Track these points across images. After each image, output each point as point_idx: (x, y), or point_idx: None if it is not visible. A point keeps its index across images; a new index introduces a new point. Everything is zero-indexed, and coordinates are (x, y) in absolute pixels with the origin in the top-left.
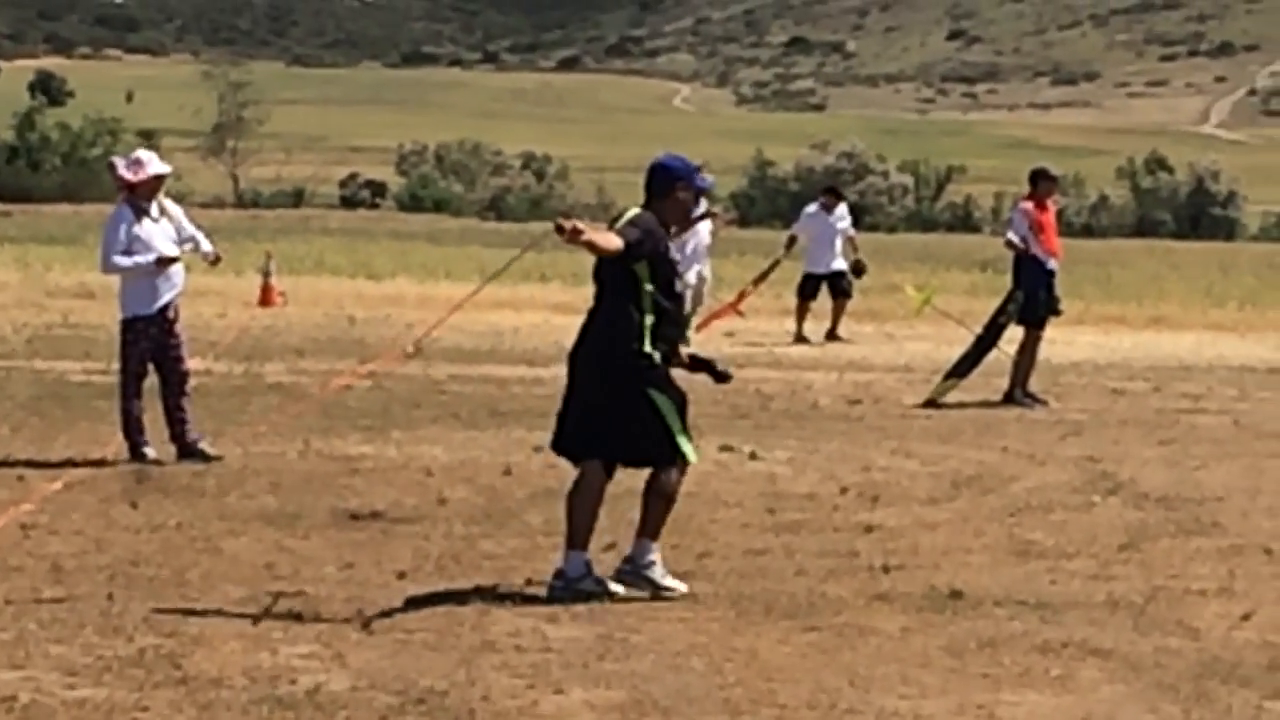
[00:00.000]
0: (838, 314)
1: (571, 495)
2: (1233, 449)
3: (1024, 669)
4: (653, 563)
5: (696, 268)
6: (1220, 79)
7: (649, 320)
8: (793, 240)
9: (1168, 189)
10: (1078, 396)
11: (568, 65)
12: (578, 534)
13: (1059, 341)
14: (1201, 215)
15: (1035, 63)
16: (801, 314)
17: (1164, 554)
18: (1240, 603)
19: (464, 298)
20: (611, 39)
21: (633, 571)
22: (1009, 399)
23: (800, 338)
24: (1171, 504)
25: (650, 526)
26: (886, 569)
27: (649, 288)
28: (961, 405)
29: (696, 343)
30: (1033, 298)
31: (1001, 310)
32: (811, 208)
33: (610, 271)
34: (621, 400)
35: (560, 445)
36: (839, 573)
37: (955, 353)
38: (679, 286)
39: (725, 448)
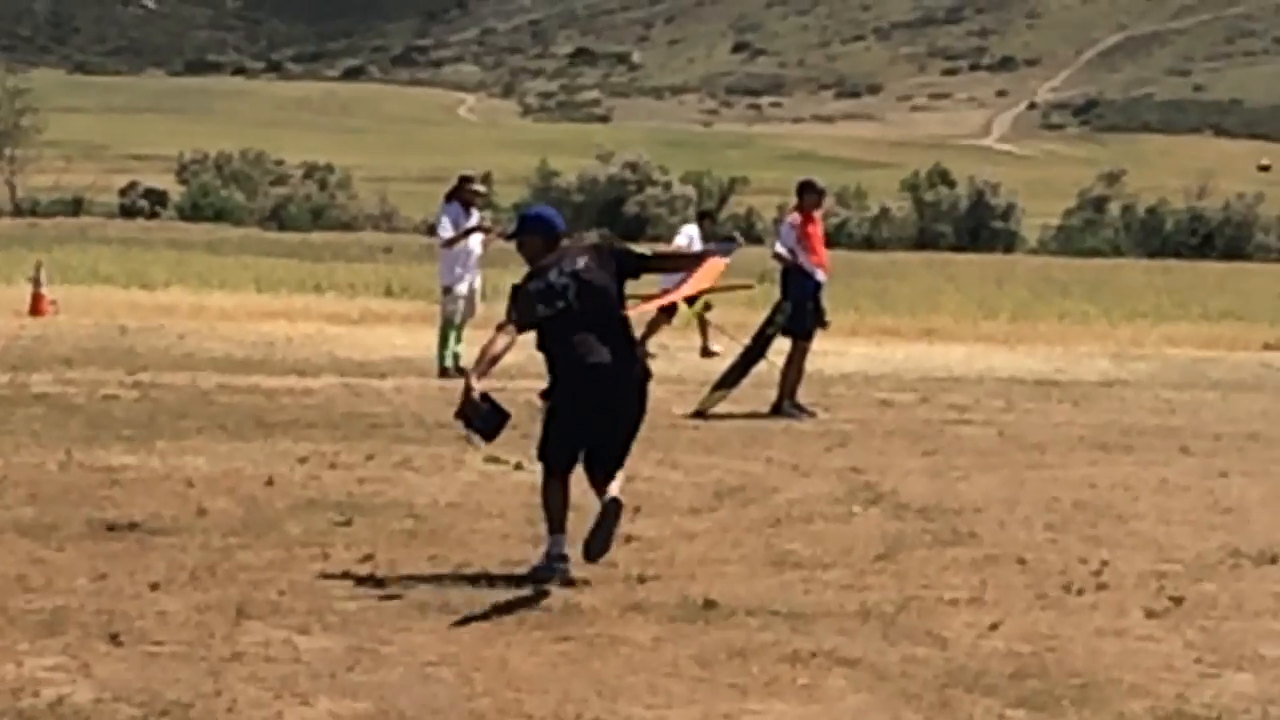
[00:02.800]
0: (654, 329)
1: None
2: (995, 460)
3: (772, 678)
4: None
5: (468, 279)
6: (1001, 93)
7: None
8: None
9: (948, 202)
10: (846, 407)
11: (353, 75)
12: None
13: (831, 353)
14: (981, 228)
15: (819, 75)
16: (703, 327)
17: (919, 564)
18: (990, 612)
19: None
20: (397, 49)
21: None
22: (777, 410)
23: (707, 351)
24: (930, 514)
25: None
26: (642, 579)
27: None
28: (729, 416)
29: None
30: (800, 309)
31: (769, 321)
32: (693, 228)
33: (619, 303)
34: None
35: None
36: (594, 583)
37: (725, 364)
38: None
39: (491, 459)
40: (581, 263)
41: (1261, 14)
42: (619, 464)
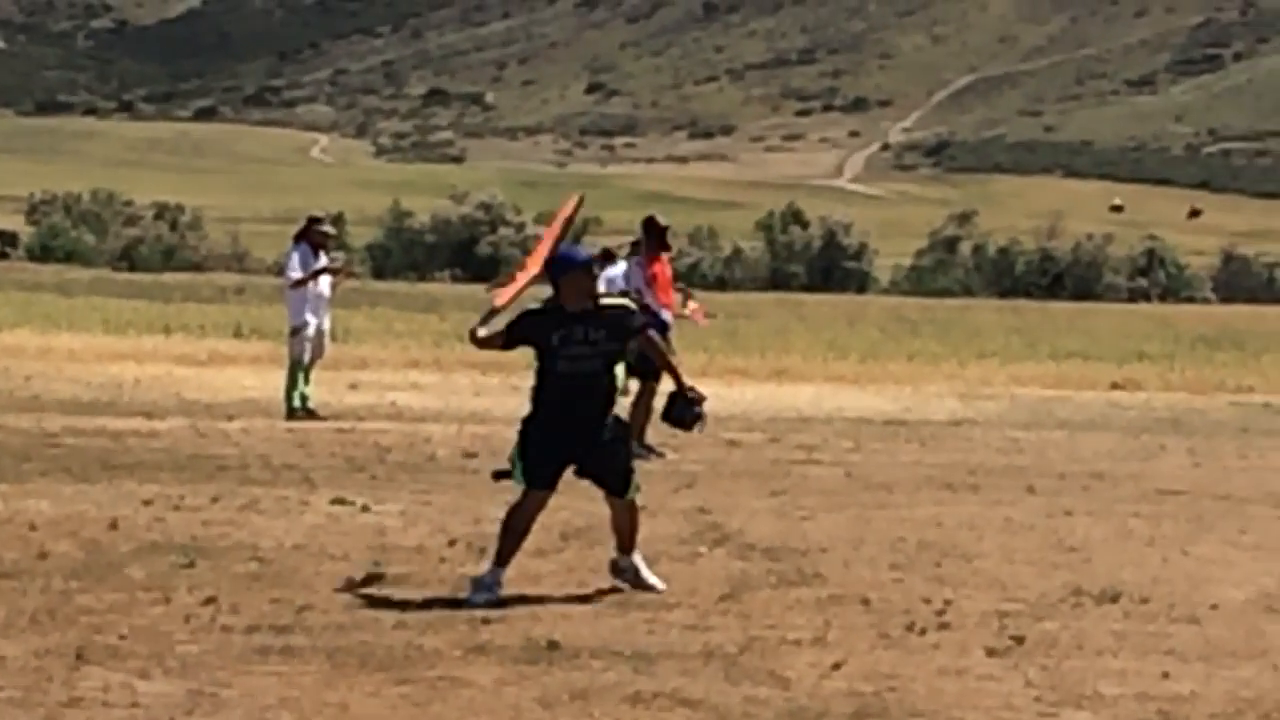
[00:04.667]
0: None
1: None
2: (842, 500)
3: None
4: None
5: (316, 321)
6: (854, 134)
7: None
8: None
9: (801, 242)
10: (694, 448)
11: (205, 115)
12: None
13: None
14: (833, 268)
15: (673, 116)
16: None
17: (763, 604)
18: (833, 652)
19: None
20: (249, 89)
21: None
22: None
23: None
24: (776, 555)
25: None
26: (486, 621)
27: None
28: None
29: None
30: None
31: None
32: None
33: None
34: None
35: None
36: (438, 625)
37: None
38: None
39: (337, 500)
40: None
41: (1111, 56)
42: None
